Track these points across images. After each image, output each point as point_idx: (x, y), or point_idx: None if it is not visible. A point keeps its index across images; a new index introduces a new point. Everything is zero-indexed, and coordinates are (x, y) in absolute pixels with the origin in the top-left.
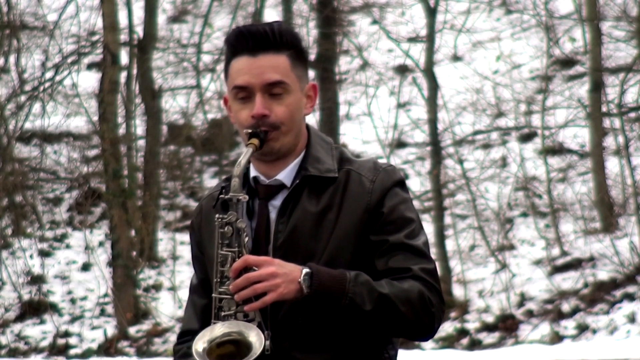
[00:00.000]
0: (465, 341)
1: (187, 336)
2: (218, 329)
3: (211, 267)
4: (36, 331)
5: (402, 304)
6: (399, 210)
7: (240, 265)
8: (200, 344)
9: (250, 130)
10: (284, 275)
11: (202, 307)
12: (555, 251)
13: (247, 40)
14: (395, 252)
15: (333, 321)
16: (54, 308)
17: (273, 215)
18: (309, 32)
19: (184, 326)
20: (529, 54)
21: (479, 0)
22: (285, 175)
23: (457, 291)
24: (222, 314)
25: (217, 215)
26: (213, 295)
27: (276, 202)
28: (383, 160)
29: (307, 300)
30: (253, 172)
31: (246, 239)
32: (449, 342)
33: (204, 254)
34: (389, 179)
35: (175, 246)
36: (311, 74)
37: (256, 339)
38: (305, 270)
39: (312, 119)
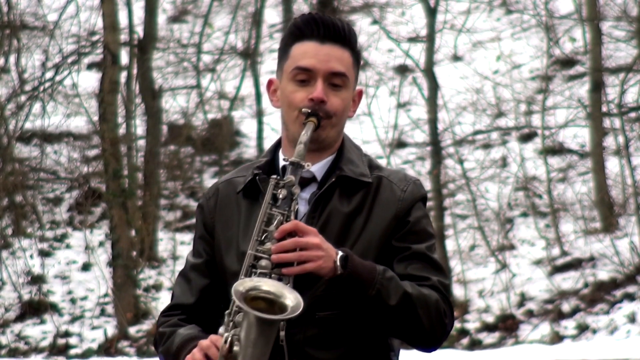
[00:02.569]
0: (465, 341)
1: (177, 310)
2: (263, 283)
3: (221, 250)
4: (36, 331)
5: (421, 307)
6: (422, 223)
7: (290, 227)
8: (241, 287)
9: (309, 110)
10: (326, 249)
11: (202, 286)
12: (556, 251)
13: (318, 27)
14: (415, 260)
15: (356, 311)
16: (54, 308)
17: (301, 207)
18: None
19: (176, 300)
20: (529, 54)
21: (479, 0)
22: (318, 168)
23: (457, 291)
24: (257, 271)
25: (273, 176)
26: (249, 252)
27: (304, 195)
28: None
29: (337, 282)
30: (283, 162)
31: (296, 206)
32: (449, 342)
33: (213, 237)
34: (417, 191)
35: (175, 246)
36: None
37: (294, 302)
38: (341, 253)
39: None
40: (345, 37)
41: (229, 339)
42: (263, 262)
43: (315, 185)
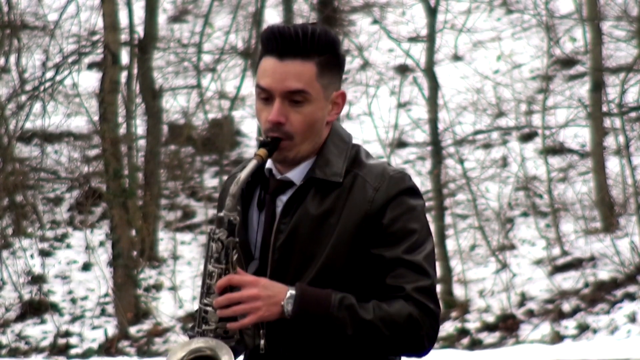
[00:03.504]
0: (465, 341)
1: None
2: (194, 344)
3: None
4: (37, 331)
5: (387, 328)
6: (400, 221)
7: (224, 283)
8: (174, 358)
9: (260, 139)
10: (266, 297)
11: None
12: (556, 251)
13: (276, 42)
14: (392, 268)
15: (315, 341)
16: (54, 308)
17: (279, 210)
18: None
19: None
20: (529, 54)
21: (479, 0)
22: (295, 174)
23: (458, 291)
24: (204, 327)
25: (209, 229)
26: (198, 305)
27: (284, 198)
28: (395, 166)
29: (290, 322)
30: (269, 164)
31: (235, 256)
32: (450, 342)
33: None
34: (394, 187)
35: (175, 246)
36: None
37: (226, 358)
38: (291, 292)
39: None
40: (306, 48)
41: None
42: (209, 316)
43: (294, 189)
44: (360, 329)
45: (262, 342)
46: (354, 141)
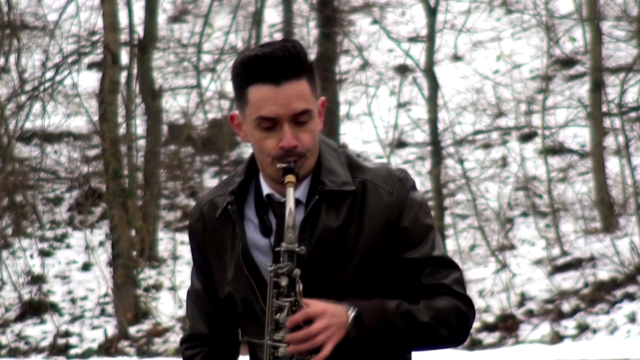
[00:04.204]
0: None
1: (195, 340)
2: None
3: (218, 276)
4: (36, 331)
5: (441, 326)
6: (419, 220)
7: (301, 318)
8: None
9: (284, 165)
10: (335, 325)
11: (209, 311)
12: (556, 251)
13: (268, 68)
14: (425, 268)
15: (376, 351)
16: (54, 308)
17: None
18: (309, 32)
19: (192, 329)
20: (529, 54)
21: (479, 0)
22: (301, 193)
23: None
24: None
25: (270, 265)
26: (267, 341)
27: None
28: (393, 165)
29: (354, 340)
30: (266, 190)
31: (301, 286)
32: None
33: (208, 263)
34: (404, 188)
35: (175, 246)
36: None
37: None
38: (352, 313)
39: None
40: (297, 68)
41: None
42: (281, 349)
43: (302, 207)
44: (419, 332)
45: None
46: (354, 143)
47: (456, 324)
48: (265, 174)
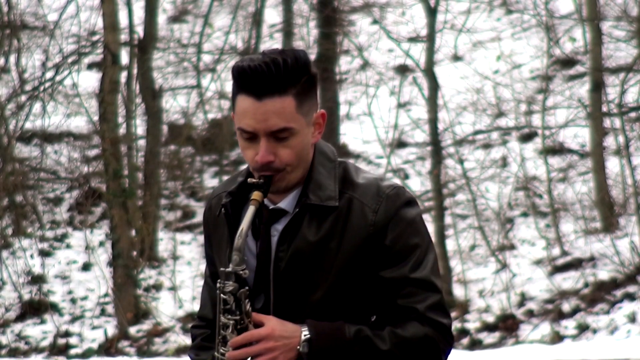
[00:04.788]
0: (465, 341)
1: (203, 321)
2: None
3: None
4: (36, 331)
5: (405, 354)
6: (402, 238)
7: (240, 341)
8: None
9: (253, 181)
10: (282, 346)
11: (214, 298)
12: (556, 251)
13: (251, 81)
14: (402, 288)
15: None
16: (54, 308)
17: (275, 239)
18: (309, 32)
19: (201, 310)
20: (529, 54)
21: (479, 0)
22: (287, 203)
23: (458, 291)
24: None
25: (218, 282)
26: (215, 354)
27: (279, 226)
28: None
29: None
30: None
31: (248, 305)
32: None
33: (213, 252)
34: (392, 206)
35: (175, 246)
36: None
37: None
38: (305, 334)
39: None
40: (282, 83)
41: None
42: None
43: (288, 217)
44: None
45: None
46: (354, 143)
47: (423, 352)
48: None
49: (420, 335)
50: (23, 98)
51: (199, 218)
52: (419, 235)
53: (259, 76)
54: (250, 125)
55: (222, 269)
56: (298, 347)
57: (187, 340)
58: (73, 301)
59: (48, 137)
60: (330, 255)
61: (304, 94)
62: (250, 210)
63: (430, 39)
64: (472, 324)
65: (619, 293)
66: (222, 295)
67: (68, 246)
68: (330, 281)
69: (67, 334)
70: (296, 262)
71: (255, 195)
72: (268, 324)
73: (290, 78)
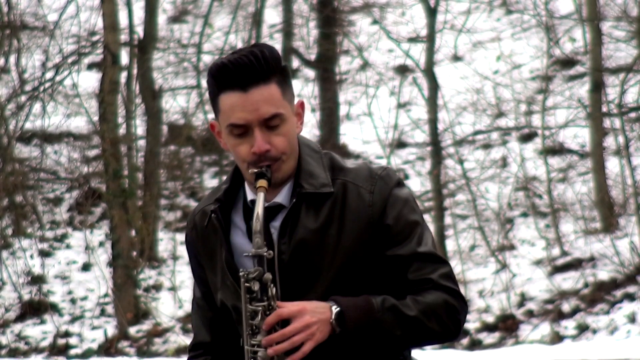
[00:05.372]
0: (465, 341)
1: (199, 349)
2: None
3: (212, 283)
4: (36, 331)
5: (430, 320)
6: (403, 217)
7: (274, 320)
8: None
9: (255, 170)
10: (318, 321)
11: (210, 319)
12: (556, 251)
13: (235, 74)
14: (411, 264)
15: (363, 344)
16: (54, 308)
17: (275, 236)
18: (309, 32)
19: (196, 338)
20: (529, 54)
21: (479, 1)
22: (283, 197)
23: None
24: None
25: (241, 271)
26: (245, 347)
27: (276, 223)
28: (377, 163)
29: (339, 337)
30: (250, 195)
31: (274, 290)
32: (449, 342)
33: (204, 269)
34: (386, 186)
35: (175, 246)
36: (311, 73)
37: None
38: (335, 309)
39: (313, 119)
40: (264, 72)
41: None
42: (260, 354)
43: (286, 211)
44: (407, 327)
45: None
46: (354, 143)
47: (446, 317)
48: (246, 180)
49: (440, 301)
50: (23, 98)
51: None
52: (415, 212)
53: (242, 68)
54: (241, 118)
55: (245, 253)
56: (331, 320)
57: (187, 341)
58: (73, 301)
59: (48, 138)
60: (332, 241)
61: (285, 82)
62: (260, 197)
63: (430, 39)
64: (472, 324)
65: (618, 293)
66: (246, 284)
67: (68, 246)
68: (334, 267)
69: (67, 334)
70: (299, 252)
71: (261, 182)
72: (294, 304)
73: (271, 67)
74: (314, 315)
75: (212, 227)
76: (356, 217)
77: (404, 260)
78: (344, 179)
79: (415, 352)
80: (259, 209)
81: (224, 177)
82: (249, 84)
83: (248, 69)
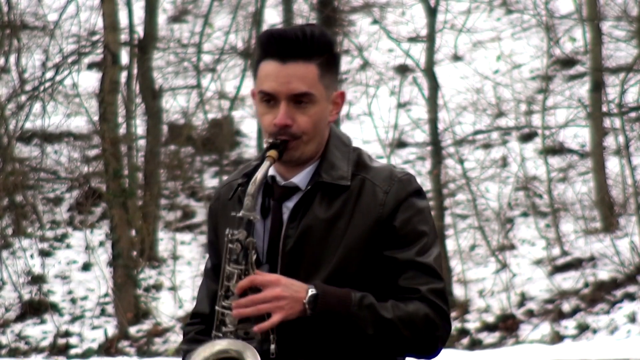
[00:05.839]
0: (465, 341)
1: (197, 318)
2: (217, 346)
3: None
4: (37, 331)
5: (405, 327)
6: (411, 223)
7: (246, 284)
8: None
9: (270, 140)
10: (289, 297)
11: (214, 291)
12: (556, 251)
13: (277, 45)
14: (405, 271)
15: (335, 339)
16: (54, 308)
17: (286, 216)
18: None
19: (196, 307)
20: (529, 54)
21: (479, 0)
22: (300, 179)
23: (458, 291)
24: (223, 329)
25: (227, 231)
26: (216, 307)
27: (290, 204)
28: (400, 168)
29: (310, 320)
30: (271, 171)
31: (254, 256)
32: (449, 342)
33: (219, 240)
34: (403, 190)
35: (175, 246)
36: None
37: (252, 358)
38: (312, 291)
39: None
40: (307, 50)
41: None
42: (227, 319)
43: (300, 195)
44: (380, 328)
45: (272, 346)
46: (354, 142)
47: (422, 330)
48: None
49: (421, 314)
50: (23, 98)
51: (199, 218)
52: (427, 224)
53: (285, 41)
54: (272, 87)
55: (232, 213)
56: (304, 301)
57: None
58: (73, 301)
59: (48, 137)
60: (338, 234)
61: (327, 67)
62: (265, 164)
63: (430, 39)
64: (472, 324)
65: (619, 293)
66: (229, 244)
67: (68, 246)
68: (335, 261)
69: (67, 334)
70: (304, 239)
71: (271, 152)
72: (272, 274)
73: (315, 47)
74: (286, 289)
75: (236, 200)
76: (366, 214)
77: (399, 264)
78: (364, 176)
79: None
80: (259, 175)
81: (225, 177)
82: (288, 57)
83: (291, 42)
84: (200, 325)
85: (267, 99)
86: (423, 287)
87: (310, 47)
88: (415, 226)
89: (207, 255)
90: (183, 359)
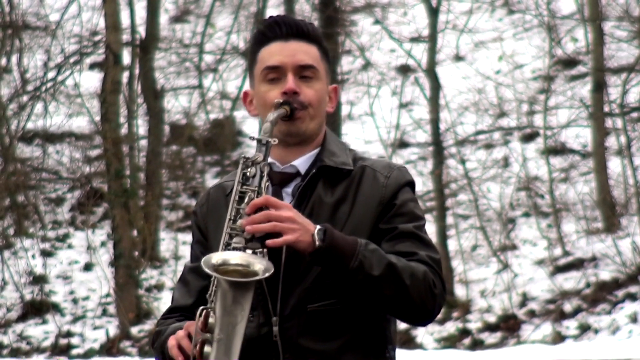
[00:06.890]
0: (467, 341)
1: (176, 312)
2: (231, 257)
3: (215, 247)
4: (38, 331)
5: (407, 277)
6: (409, 205)
7: (261, 202)
8: (213, 260)
9: (281, 100)
10: (302, 223)
11: (199, 287)
12: (557, 251)
13: (280, 27)
14: (403, 239)
15: (340, 284)
16: (56, 308)
17: (287, 201)
18: None
19: (175, 303)
20: (531, 54)
21: (481, 0)
22: (301, 162)
23: (459, 291)
24: (231, 246)
25: (242, 155)
26: (224, 230)
27: (289, 189)
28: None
29: (317, 256)
30: (269, 158)
31: (267, 183)
32: (451, 342)
33: (207, 239)
34: (402, 177)
35: (177, 246)
36: None
37: (264, 267)
38: (319, 226)
39: None
40: (309, 34)
41: (204, 311)
42: (236, 239)
43: (299, 179)
44: (386, 271)
45: (275, 328)
46: (356, 143)
47: (423, 284)
48: (264, 126)
49: (422, 270)
50: (25, 98)
51: None
52: (422, 213)
53: (287, 23)
54: (278, 60)
55: (252, 136)
56: (313, 232)
57: None
58: (75, 301)
59: (50, 137)
60: (342, 218)
61: (324, 55)
62: (279, 110)
63: (432, 39)
64: (473, 324)
65: (620, 293)
66: (244, 169)
67: (70, 246)
68: None
69: (68, 334)
70: (312, 219)
71: (284, 106)
72: (288, 204)
73: (313, 34)
74: (299, 217)
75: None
76: (369, 196)
77: (398, 232)
78: (364, 164)
79: (415, 353)
80: (272, 116)
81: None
82: (290, 36)
83: (293, 25)
84: (179, 317)
85: (272, 76)
86: (422, 252)
87: (312, 33)
88: (413, 209)
89: (188, 261)
90: (155, 341)
